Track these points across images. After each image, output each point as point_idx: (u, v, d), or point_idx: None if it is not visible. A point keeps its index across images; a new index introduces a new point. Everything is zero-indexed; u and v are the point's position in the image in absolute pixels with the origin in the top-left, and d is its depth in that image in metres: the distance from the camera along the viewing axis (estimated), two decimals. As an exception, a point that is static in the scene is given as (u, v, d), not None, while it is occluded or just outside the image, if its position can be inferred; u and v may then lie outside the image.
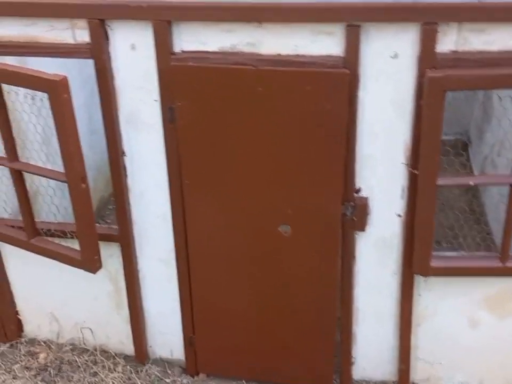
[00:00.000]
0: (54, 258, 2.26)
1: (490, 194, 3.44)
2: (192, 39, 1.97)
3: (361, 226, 2.17)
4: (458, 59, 1.86)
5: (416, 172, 2.01)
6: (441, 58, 1.87)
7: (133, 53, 2.03)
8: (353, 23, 1.86)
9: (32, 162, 2.33)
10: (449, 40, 1.86)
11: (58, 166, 2.07)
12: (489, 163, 3.57)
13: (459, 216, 3.28)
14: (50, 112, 1.93)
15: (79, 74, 2.89)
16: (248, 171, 2.10)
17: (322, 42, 1.91)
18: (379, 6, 1.84)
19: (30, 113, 2.49)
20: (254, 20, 1.90)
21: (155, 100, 2.09)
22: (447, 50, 1.87)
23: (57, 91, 1.86)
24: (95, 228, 2.13)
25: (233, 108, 2.00)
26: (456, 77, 1.83)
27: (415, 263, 2.11)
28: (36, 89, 1.90)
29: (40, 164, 2.37)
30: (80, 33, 2.02)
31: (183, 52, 1.99)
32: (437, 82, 1.83)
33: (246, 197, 2.15)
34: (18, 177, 2.15)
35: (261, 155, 2.06)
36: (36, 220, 2.33)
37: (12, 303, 2.72)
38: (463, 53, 1.86)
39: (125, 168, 2.23)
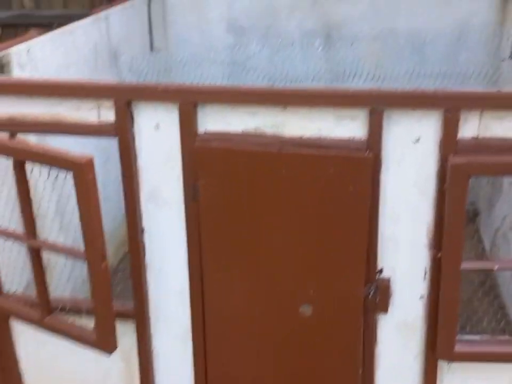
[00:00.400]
0: (68, 337, 2.20)
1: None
2: (217, 120, 2.00)
3: (384, 308, 2.14)
4: (479, 145, 1.89)
5: (439, 254, 2.00)
6: (462, 144, 1.89)
7: (157, 132, 2.06)
8: (376, 108, 1.90)
9: (44, 232, 2.31)
10: (471, 127, 1.89)
11: (71, 237, 2.05)
12: (500, 236, 3.56)
13: (469, 289, 3.25)
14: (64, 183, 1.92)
15: (94, 140, 2.91)
16: (270, 251, 2.09)
17: (346, 126, 1.94)
18: (401, 93, 1.88)
19: (45, 184, 2.50)
20: (279, 104, 1.93)
21: (177, 178, 2.10)
22: (468, 136, 1.90)
23: (82, 171, 1.86)
24: (113, 308, 2.09)
25: (256, 188, 2.01)
26: (479, 163, 1.85)
27: (439, 347, 2.06)
28: (61, 169, 1.91)
29: (53, 234, 2.36)
30: (104, 113, 2.05)
31: (207, 133, 2.02)
32: (460, 168, 1.85)
33: (267, 277, 2.13)
34: (36, 255, 2.12)
35: (283, 236, 2.06)
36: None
37: (20, 381, 2.64)
38: (484, 139, 1.89)
39: (143, 245, 2.22)
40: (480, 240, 3.88)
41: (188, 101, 1.97)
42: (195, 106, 1.98)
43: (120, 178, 2.12)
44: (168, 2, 4.17)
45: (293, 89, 1.92)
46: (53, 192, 2.55)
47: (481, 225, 4.06)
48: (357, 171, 1.93)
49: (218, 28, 4.17)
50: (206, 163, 2.03)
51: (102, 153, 2.48)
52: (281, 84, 2.55)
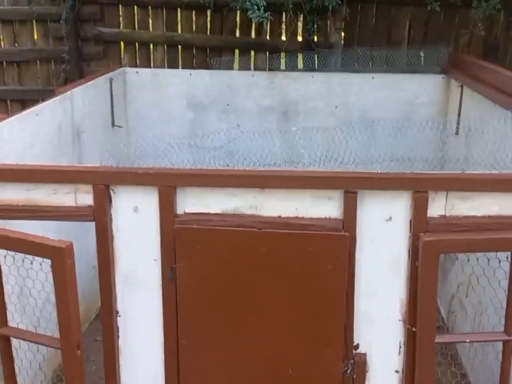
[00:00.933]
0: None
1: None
2: (196, 201, 2.04)
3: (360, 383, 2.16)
4: (448, 223, 2.00)
5: (413, 329, 2.06)
6: (432, 223, 2.00)
7: (135, 215, 2.07)
8: (351, 189, 1.99)
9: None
10: (439, 206, 2.01)
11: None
12: (457, 303, 3.69)
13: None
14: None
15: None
16: (248, 331, 2.09)
17: (322, 206, 2.02)
18: (374, 176, 1.99)
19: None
20: (257, 186, 2.00)
21: (155, 260, 2.10)
22: (437, 215, 2.01)
23: (61, 257, 1.84)
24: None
25: (236, 268, 2.03)
26: (449, 241, 1.96)
27: (417, 422, 2.08)
28: (39, 256, 1.88)
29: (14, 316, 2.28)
30: (82, 197, 2.05)
31: (186, 213, 2.05)
32: (432, 246, 1.95)
33: (245, 357, 2.12)
34: (6, 344, 2.04)
35: (262, 315, 2.07)
36: None
37: None
38: (451, 217, 2.01)
39: (117, 328, 2.17)
40: (437, 307, 3.99)
41: (168, 185, 2.00)
42: (175, 189, 2.01)
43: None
44: (129, 81, 4.26)
45: (271, 172, 1.99)
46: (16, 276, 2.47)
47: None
48: (334, 249, 2.00)
49: (179, 104, 4.28)
50: (185, 244, 2.04)
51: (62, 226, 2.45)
52: (241, 162, 2.65)
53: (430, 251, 1.95)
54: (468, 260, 2.42)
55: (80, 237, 2.46)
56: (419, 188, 1.97)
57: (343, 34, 5.01)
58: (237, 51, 4.96)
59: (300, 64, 4.73)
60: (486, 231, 1.97)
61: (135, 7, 5.03)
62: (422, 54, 4.62)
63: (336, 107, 4.26)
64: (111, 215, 2.06)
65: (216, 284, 2.06)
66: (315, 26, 4.54)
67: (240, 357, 2.12)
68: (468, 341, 2.07)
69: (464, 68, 3.95)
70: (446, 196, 2.00)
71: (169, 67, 4.91)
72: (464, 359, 3.45)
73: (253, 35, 5.00)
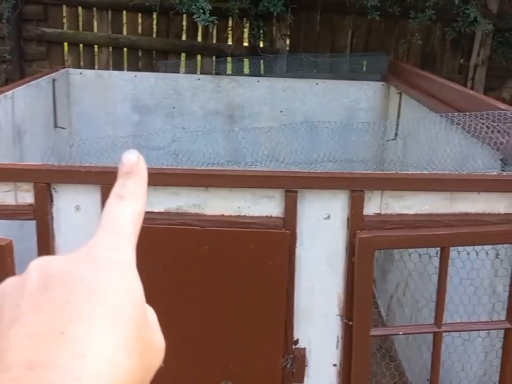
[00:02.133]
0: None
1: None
2: (139, 201, 2.05)
3: (300, 378, 2.22)
4: (382, 221, 2.10)
5: (350, 323, 2.14)
6: (368, 220, 2.09)
7: (77, 214, 2.06)
8: (291, 189, 2.06)
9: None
10: (374, 205, 2.10)
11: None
12: (395, 302, 3.83)
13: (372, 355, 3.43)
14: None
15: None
16: (191, 328, 2.12)
17: (264, 205, 2.08)
18: (313, 175, 2.06)
19: None
20: (200, 185, 2.04)
21: (97, 259, 2.09)
22: (372, 213, 2.11)
23: (1, 255, 1.82)
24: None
25: (178, 266, 2.06)
26: (383, 237, 2.06)
27: (354, 413, 2.17)
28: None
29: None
30: (22, 195, 2.03)
31: (129, 213, 2.06)
32: (367, 242, 2.04)
33: (186, 354, 2.14)
34: None
35: (204, 312, 2.10)
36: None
37: None
38: (385, 215, 2.11)
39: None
40: (378, 307, 4.13)
41: (111, 183, 2.00)
42: (117, 186, 2.02)
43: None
44: (73, 82, 4.21)
45: (214, 171, 2.03)
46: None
47: (377, 292, 4.33)
48: (275, 246, 2.05)
49: (123, 106, 4.26)
50: (127, 243, 2.05)
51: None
52: (188, 163, 2.67)
53: (365, 247, 2.03)
54: (400, 257, 2.53)
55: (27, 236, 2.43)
56: (356, 187, 2.06)
57: (288, 40, 5.13)
58: (183, 54, 4.99)
59: (246, 69, 4.81)
60: (417, 228, 2.08)
61: (80, 7, 4.98)
62: (363, 62, 4.78)
63: (281, 111, 4.36)
64: (52, 214, 2.05)
65: (159, 282, 2.08)
66: (261, 31, 4.62)
67: (182, 353, 2.14)
68: (401, 333, 2.17)
69: (402, 76, 4.12)
70: (381, 195, 2.09)
71: (114, 69, 4.88)
72: (402, 356, 3.58)
73: (199, 39, 5.04)
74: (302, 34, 5.08)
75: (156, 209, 2.06)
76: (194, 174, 2.02)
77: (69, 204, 2.05)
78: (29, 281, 0.40)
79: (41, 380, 0.34)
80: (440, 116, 2.86)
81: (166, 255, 2.05)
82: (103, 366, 0.37)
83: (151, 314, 0.45)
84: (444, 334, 2.11)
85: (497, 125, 1.96)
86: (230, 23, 4.87)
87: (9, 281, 0.42)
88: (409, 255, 2.27)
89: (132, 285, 0.43)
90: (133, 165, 0.47)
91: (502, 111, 2.01)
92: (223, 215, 2.07)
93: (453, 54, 5.28)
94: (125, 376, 0.38)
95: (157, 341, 0.45)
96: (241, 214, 2.08)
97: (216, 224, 2.05)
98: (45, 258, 0.43)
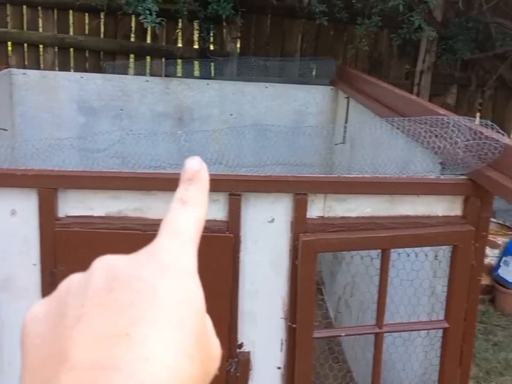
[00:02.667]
0: None
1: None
2: (79, 204, 2.01)
3: (244, 382, 2.21)
4: (325, 224, 2.12)
5: (294, 325, 2.15)
6: (311, 223, 2.11)
7: (12, 218, 2.00)
8: (235, 192, 2.05)
9: None
10: (317, 208, 2.12)
11: None
12: (343, 304, 3.87)
13: (319, 356, 3.46)
14: None
15: None
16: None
17: (208, 209, 2.06)
18: (257, 179, 2.06)
19: None
20: (142, 188, 2.00)
21: (34, 264, 2.03)
22: (315, 216, 2.12)
23: None
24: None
25: (119, 271, 2.02)
26: (325, 240, 2.08)
27: (298, 415, 2.17)
28: None
29: None
30: (-45, 198, 1.96)
31: (68, 216, 2.01)
32: (309, 245, 2.05)
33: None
34: None
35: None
36: None
37: None
38: (328, 218, 2.13)
39: (-5, 336, 2.08)
40: (327, 309, 4.17)
41: (48, 187, 1.96)
42: (55, 191, 1.97)
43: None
44: (16, 82, 4.09)
45: (156, 174, 2.00)
46: None
47: (326, 294, 4.37)
48: (219, 250, 2.04)
49: (69, 107, 4.17)
50: (66, 248, 2.00)
51: None
52: (133, 167, 2.63)
53: (308, 250, 2.05)
54: (343, 259, 2.56)
55: None
56: (299, 190, 2.07)
57: (238, 43, 5.13)
58: (132, 56, 4.93)
59: (197, 72, 4.79)
60: (359, 231, 2.11)
61: (24, 6, 4.85)
62: (313, 66, 4.83)
63: (231, 115, 4.35)
64: (-14, 216, 1.98)
65: (100, 287, 2.04)
66: (210, 34, 4.61)
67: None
68: (343, 334, 2.19)
69: (350, 81, 4.18)
70: (324, 198, 2.11)
71: (60, 70, 4.77)
72: (349, 357, 3.63)
73: (148, 40, 4.99)
74: (252, 38, 5.10)
75: (96, 213, 2.01)
76: (136, 177, 1.99)
77: (5, 207, 1.98)
78: (94, 281, 0.41)
79: (105, 381, 0.34)
80: (383, 120, 2.91)
81: (107, 260, 2.01)
82: (166, 371, 0.37)
83: (209, 322, 0.46)
84: (385, 334, 2.15)
85: (435, 130, 2.01)
86: (179, 25, 4.84)
87: (74, 278, 0.43)
88: (351, 257, 2.30)
89: (194, 291, 0.43)
90: (196, 172, 0.48)
91: (440, 117, 2.06)
92: (165, 219, 2.04)
93: (400, 60, 5.41)
94: (185, 383, 0.38)
95: (214, 349, 0.44)
96: (184, 218, 2.06)
97: (158, 228, 2.02)
98: (110, 258, 0.44)
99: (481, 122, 2.03)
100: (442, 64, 5.23)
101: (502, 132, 1.97)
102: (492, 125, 1.98)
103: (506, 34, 4.92)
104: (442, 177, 2.13)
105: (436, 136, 2.03)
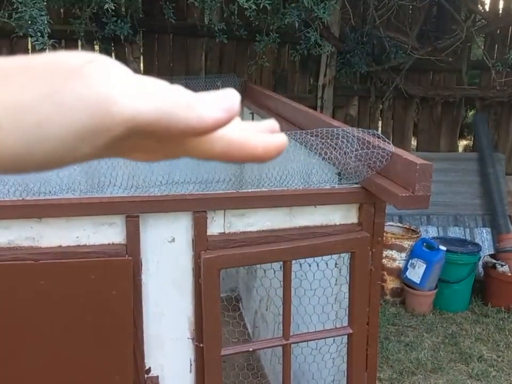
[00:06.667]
0: None
1: (264, 351, 3.71)
2: (-36, 237, 1.90)
3: (155, 407, 2.16)
4: (226, 240, 2.12)
5: (201, 345, 2.13)
6: (212, 240, 2.10)
7: None
8: (132, 214, 2.01)
9: None
10: (218, 224, 2.12)
11: None
12: (259, 317, 3.89)
13: (239, 374, 3.45)
14: None
15: None
16: (29, 368, 1.98)
17: (104, 232, 2.01)
18: (154, 199, 2.03)
19: None
20: (33, 216, 1.92)
21: None
22: (216, 233, 2.12)
23: None
24: None
25: (13, 304, 1.92)
26: (227, 256, 2.08)
27: None
28: None
29: None
30: None
31: (-47, 251, 1.89)
32: (211, 262, 2.05)
33: (29, 397, 2.00)
34: None
35: (45, 350, 1.97)
36: None
37: None
38: (229, 234, 2.14)
39: None
40: (244, 325, 4.16)
41: None
42: None
43: None
44: None
45: (47, 201, 1.93)
46: None
47: (243, 310, 4.38)
48: (118, 274, 1.99)
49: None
50: (-48, 284, 1.88)
51: None
52: (35, 196, 2.52)
53: (209, 267, 2.04)
54: (254, 273, 2.57)
55: None
56: (198, 208, 2.07)
57: (142, 63, 5.09)
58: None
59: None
60: (261, 245, 2.13)
61: None
62: (218, 83, 4.86)
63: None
64: None
65: (-8, 323, 1.93)
66: (111, 55, 4.53)
67: (23, 398, 2.00)
68: (251, 349, 2.19)
69: (253, 97, 4.25)
70: (224, 214, 2.12)
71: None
72: (268, 370, 3.64)
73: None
74: (156, 57, 5.07)
75: (-16, 245, 1.91)
76: (25, 205, 1.90)
77: None
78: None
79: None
80: (284, 133, 2.97)
81: (-2, 294, 1.91)
82: None
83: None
84: (293, 345, 2.17)
85: (326, 141, 2.08)
86: (79, 46, 4.72)
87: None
88: (265, 271, 2.31)
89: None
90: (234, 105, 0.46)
91: (330, 128, 2.13)
92: (60, 246, 1.97)
93: (303, 75, 5.56)
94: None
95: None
96: (80, 244, 1.99)
97: (52, 257, 1.94)
98: (112, 62, 0.46)
99: (369, 132, 2.12)
100: (341, 77, 5.43)
101: (388, 141, 2.06)
102: (378, 134, 2.07)
103: (399, 48, 5.19)
104: (337, 186, 2.20)
105: (331, 147, 2.09)
